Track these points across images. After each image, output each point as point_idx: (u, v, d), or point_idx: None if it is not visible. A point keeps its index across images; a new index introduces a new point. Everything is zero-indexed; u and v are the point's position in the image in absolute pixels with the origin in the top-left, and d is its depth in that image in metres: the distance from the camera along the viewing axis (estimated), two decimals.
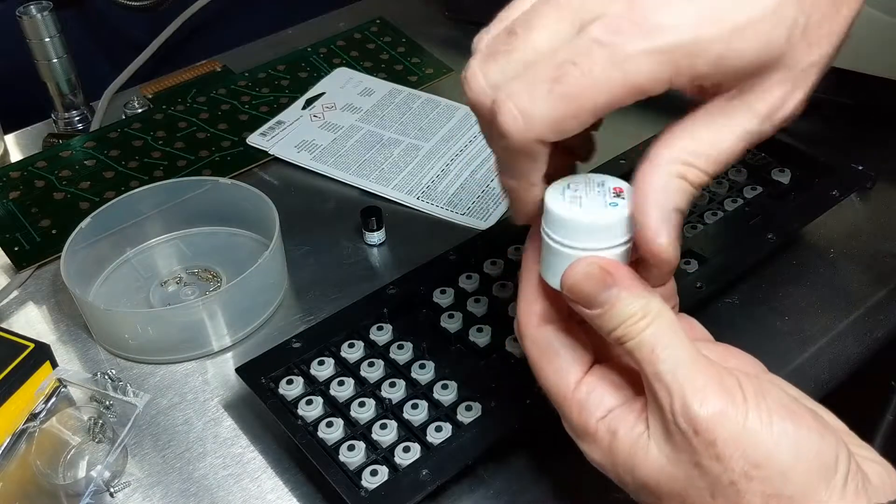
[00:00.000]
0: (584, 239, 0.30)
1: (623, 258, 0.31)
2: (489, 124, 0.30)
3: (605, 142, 0.60)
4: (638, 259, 0.31)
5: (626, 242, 0.31)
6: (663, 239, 0.29)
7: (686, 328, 0.33)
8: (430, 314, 0.46)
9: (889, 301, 0.49)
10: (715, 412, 0.28)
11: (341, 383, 0.42)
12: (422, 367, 0.43)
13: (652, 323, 0.30)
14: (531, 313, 0.33)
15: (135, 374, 0.48)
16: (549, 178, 0.32)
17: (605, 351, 0.34)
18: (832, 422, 0.31)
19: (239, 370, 0.43)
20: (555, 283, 0.32)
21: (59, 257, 0.49)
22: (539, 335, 0.33)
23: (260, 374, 0.42)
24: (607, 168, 0.54)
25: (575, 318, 0.33)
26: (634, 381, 0.32)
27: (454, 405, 0.41)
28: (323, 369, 0.43)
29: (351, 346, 0.44)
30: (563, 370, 0.32)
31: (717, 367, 0.29)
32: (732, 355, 0.33)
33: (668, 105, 0.71)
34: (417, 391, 0.42)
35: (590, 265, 0.30)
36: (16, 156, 0.65)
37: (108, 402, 0.44)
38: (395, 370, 0.43)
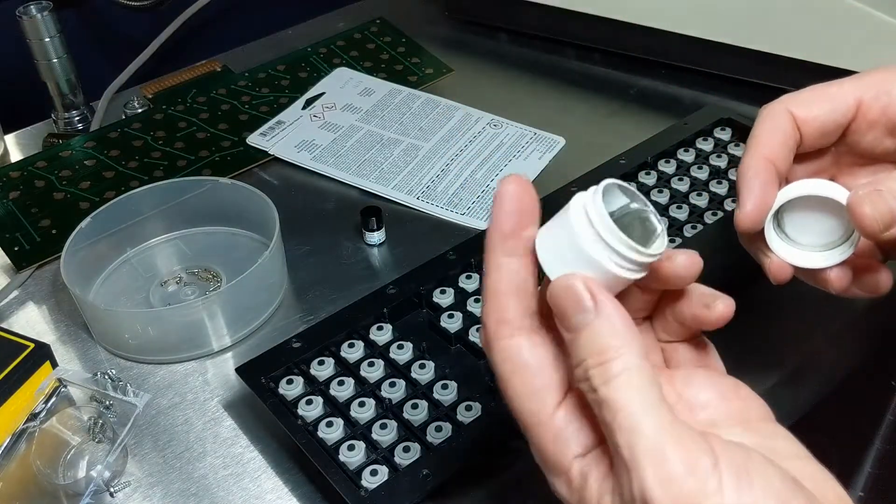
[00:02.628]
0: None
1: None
2: None
3: (606, 142, 0.61)
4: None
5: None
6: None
7: (699, 353, 0.30)
8: (430, 314, 0.46)
9: (889, 301, 0.49)
10: (677, 500, 0.23)
11: (341, 383, 0.42)
12: (422, 367, 0.43)
13: (618, 376, 0.25)
14: (502, 320, 0.28)
15: (135, 374, 0.48)
16: None
17: None
18: (835, 498, 0.26)
19: (239, 370, 0.43)
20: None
21: (59, 257, 0.49)
22: (513, 348, 0.27)
23: (260, 374, 0.42)
24: (607, 168, 0.54)
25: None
26: None
27: (454, 405, 0.41)
28: (323, 369, 0.43)
29: (351, 346, 0.44)
30: (541, 392, 0.27)
31: (690, 443, 0.24)
32: (740, 395, 0.29)
33: (668, 106, 0.71)
34: (417, 391, 0.42)
35: (575, 277, 0.26)
36: (16, 156, 0.65)
37: (108, 402, 0.44)
38: (395, 370, 0.43)
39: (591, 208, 0.27)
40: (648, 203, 0.28)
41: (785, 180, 0.36)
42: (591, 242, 0.27)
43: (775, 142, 0.35)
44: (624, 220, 0.28)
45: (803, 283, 0.50)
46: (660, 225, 0.28)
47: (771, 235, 0.35)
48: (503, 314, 0.27)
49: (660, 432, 0.24)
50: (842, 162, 0.38)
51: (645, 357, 0.26)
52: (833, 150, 0.38)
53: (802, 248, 0.35)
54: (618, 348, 0.25)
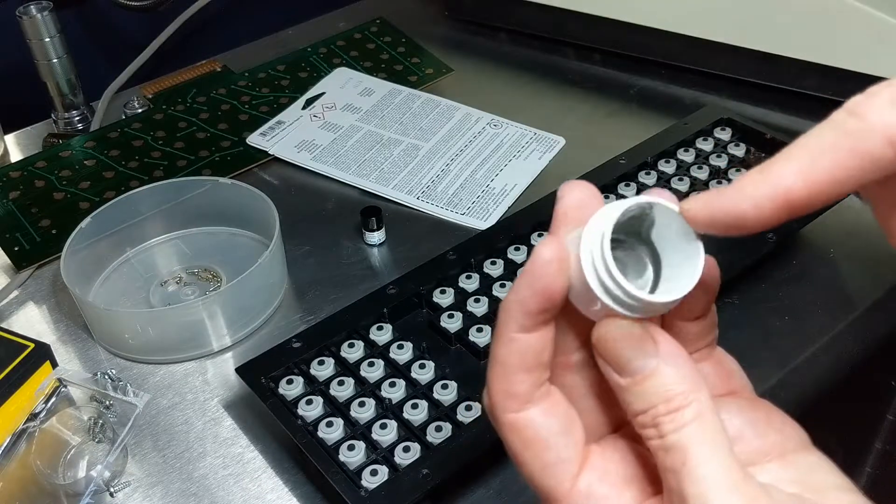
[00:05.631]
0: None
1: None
2: None
3: (606, 142, 0.61)
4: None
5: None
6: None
7: (723, 376, 0.28)
8: (430, 314, 0.46)
9: (889, 301, 0.49)
10: None
11: (341, 383, 0.42)
12: (422, 367, 0.43)
13: (691, 423, 0.23)
14: (511, 394, 0.25)
15: (135, 374, 0.48)
16: None
17: (609, 408, 0.27)
18: None
19: (239, 370, 0.43)
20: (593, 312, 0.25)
21: (59, 257, 0.49)
22: (521, 421, 0.25)
23: (260, 374, 0.42)
24: (607, 168, 0.54)
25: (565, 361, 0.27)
26: (646, 463, 0.26)
27: (454, 405, 0.41)
28: (323, 369, 0.43)
29: (351, 346, 0.44)
30: (555, 466, 0.25)
31: (762, 499, 0.23)
32: (773, 425, 0.27)
33: (668, 106, 0.71)
34: (417, 391, 0.42)
35: (632, 322, 0.24)
36: (16, 156, 0.65)
37: (108, 402, 0.44)
38: (395, 370, 0.43)
39: (598, 265, 0.24)
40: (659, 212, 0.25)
41: None
42: (612, 302, 0.24)
43: None
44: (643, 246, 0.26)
45: (803, 282, 0.51)
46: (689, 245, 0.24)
47: None
48: (512, 388, 0.25)
49: (733, 487, 0.23)
50: None
51: (712, 398, 0.24)
52: None
53: None
54: (688, 394, 0.24)
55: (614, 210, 0.24)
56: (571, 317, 0.26)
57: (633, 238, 0.26)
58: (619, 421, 0.27)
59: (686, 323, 0.27)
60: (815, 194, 0.23)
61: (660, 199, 0.24)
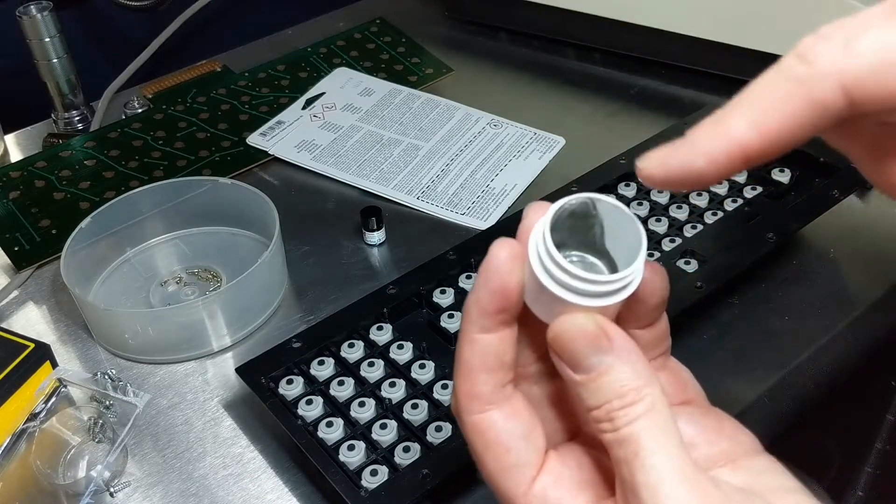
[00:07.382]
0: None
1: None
2: None
3: (606, 142, 0.61)
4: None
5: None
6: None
7: (678, 386, 0.28)
8: (430, 314, 0.46)
9: (889, 301, 0.49)
10: None
11: (341, 383, 0.42)
12: (422, 367, 0.43)
13: (644, 416, 0.24)
14: (473, 395, 0.26)
15: (135, 374, 0.48)
16: None
17: (570, 416, 0.28)
18: None
19: (239, 370, 0.43)
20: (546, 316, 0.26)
21: (59, 257, 0.49)
22: (484, 423, 0.26)
23: (260, 374, 0.42)
24: (607, 168, 0.54)
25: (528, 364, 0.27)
26: (601, 468, 0.26)
27: None
28: (323, 369, 0.43)
29: (351, 346, 0.44)
30: (513, 469, 0.26)
31: (711, 491, 0.24)
32: (725, 432, 0.27)
33: (668, 106, 0.71)
34: (417, 391, 0.42)
35: (587, 318, 0.24)
36: (16, 156, 0.65)
37: (108, 402, 0.44)
38: (395, 370, 0.43)
39: (544, 256, 0.25)
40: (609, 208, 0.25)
41: None
42: (560, 290, 0.24)
43: None
44: (591, 234, 0.26)
45: (803, 282, 0.51)
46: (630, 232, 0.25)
47: None
48: (474, 389, 0.26)
49: (683, 478, 0.23)
50: None
51: (663, 391, 0.25)
52: None
53: None
54: (641, 388, 0.24)
55: (556, 204, 0.25)
56: (529, 329, 0.26)
57: (590, 251, 0.26)
58: (574, 429, 0.28)
59: (638, 331, 0.27)
60: (768, 144, 0.23)
61: (601, 195, 0.25)
